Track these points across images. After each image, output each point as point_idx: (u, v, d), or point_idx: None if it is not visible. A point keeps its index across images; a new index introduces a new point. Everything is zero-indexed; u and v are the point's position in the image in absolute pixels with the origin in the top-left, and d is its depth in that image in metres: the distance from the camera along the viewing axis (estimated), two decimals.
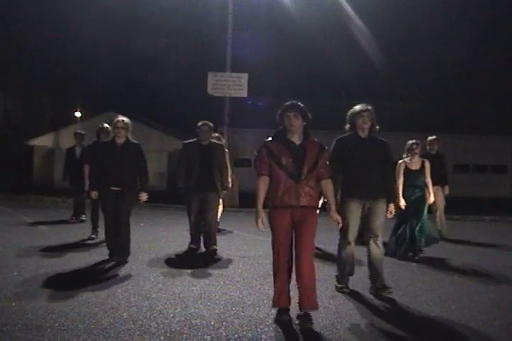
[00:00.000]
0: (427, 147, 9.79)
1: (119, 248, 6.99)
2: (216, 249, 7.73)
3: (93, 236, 8.82)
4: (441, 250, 8.35)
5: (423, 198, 7.94)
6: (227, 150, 8.53)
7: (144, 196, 7.00)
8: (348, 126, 5.71)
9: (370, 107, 5.65)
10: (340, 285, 5.72)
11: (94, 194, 7.03)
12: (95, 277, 6.09)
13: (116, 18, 37.31)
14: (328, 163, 4.81)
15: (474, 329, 4.52)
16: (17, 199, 16.75)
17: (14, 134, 34.55)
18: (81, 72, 39.85)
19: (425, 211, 7.98)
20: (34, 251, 7.57)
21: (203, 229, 7.82)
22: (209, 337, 4.15)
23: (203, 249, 7.84)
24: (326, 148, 4.85)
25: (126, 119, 6.94)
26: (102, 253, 7.45)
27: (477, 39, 39.82)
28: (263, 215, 4.63)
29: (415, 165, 7.87)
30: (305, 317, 4.51)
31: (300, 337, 4.29)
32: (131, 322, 4.43)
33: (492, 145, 25.25)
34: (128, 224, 7.01)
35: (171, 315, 4.67)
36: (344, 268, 5.72)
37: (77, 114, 40.53)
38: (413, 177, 7.80)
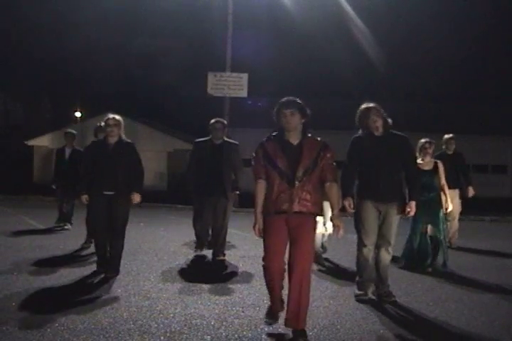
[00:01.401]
0: (443, 146, 9.03)
1: (109, 261, 6.28)
2: (224, 259, 7.33)
3: (86, 245, 7.91)
4: None
5: (437, 201, 7.30)
6: None
7: (137, 197, 6.26)
8: (360, 130, 5.47)
9: (372, 104, 5.42)
10: (360, 292, 5.40)
11: (84, 198, 6.31)
12: (95, 277, 6.08)
13: (116, 18, 37.35)
14: (334, 163, 4.42)
15: (474, 330, 4.52)
16: (17, 199, 16.75)
17: (14, 134, 34.54)
18: (81, 73, 39.87)
19: (441, 215, 7.29)
20: (34, 251, 7.56)
21: (213, 236, 7.41)
22: (209, 337, 4.15)
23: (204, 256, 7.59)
24: (329, 146, 4.42)
25: (117, 116, 6.36)
26: None
27: (477, 39, 39.84)
28: (261, 222, 4.33)
29: (427, 166, 7.33)
30: (300, 333, 4.20)
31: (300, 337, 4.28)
32: (131, 322, 4.42)
33: (492, 145, 25.24)
34: (123, 235, 6.32)
35: (171, 315, 4.67)
36: (362, 273, 5.45)
37: (77, 114, 40.55)
38: (425, 178, 7.15)
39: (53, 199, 16.45)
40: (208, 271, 6.59)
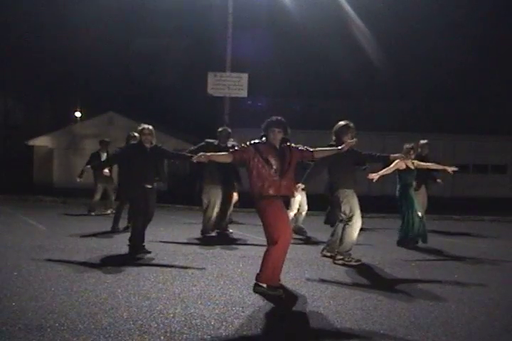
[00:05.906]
0: (419, 149, 10.50)
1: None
2: (228, 231, 9.73)
3: (118, 227, 9.91)
4: (441, 250, 8.36)
5: (418, 193, 9.57)
6: None
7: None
8: (334, 138, 7.05)
9: (352, 124, 7.02)
10: (329, 254, 7.50)
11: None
12: (95, 277, 6.08)
13: (116, 17, 37.27)
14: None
15: (474, 330, 4.52)
16: (17, 199, 16.75)
17: (14, 134, 34.53)
18: (81, 72, 39.86)
19: (415, 204, 9.01)
20: (34, 251, 7.56)
21: (220, 214, 9.47)
22: (209, 337, 4.15)
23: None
24: (294, 147, 5.85)
25: (150, 127, 7.91)
26: (101, 254, 7.46)
27: (477, 39, 39.83)
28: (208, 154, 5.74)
29: (412, 165, 8.94)
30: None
31: (300, 337, 4.30)
32: (131, 322, 4.42)
33: (492, 145, 25.22)
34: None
35: (171, 315, 4.67)
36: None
37: (77, 114, 40.56)
38: (410, 176, 8.96)
39: (53, 199, 16.66)
40: (209, 271, 6.59)
